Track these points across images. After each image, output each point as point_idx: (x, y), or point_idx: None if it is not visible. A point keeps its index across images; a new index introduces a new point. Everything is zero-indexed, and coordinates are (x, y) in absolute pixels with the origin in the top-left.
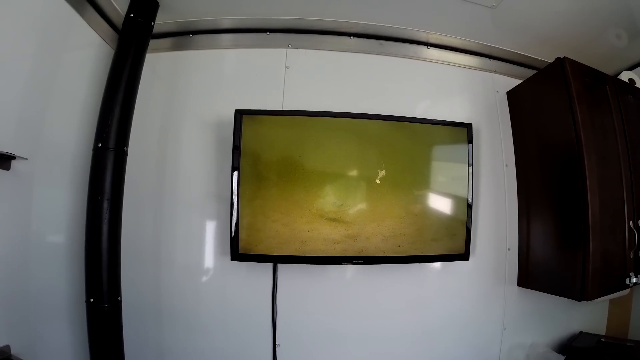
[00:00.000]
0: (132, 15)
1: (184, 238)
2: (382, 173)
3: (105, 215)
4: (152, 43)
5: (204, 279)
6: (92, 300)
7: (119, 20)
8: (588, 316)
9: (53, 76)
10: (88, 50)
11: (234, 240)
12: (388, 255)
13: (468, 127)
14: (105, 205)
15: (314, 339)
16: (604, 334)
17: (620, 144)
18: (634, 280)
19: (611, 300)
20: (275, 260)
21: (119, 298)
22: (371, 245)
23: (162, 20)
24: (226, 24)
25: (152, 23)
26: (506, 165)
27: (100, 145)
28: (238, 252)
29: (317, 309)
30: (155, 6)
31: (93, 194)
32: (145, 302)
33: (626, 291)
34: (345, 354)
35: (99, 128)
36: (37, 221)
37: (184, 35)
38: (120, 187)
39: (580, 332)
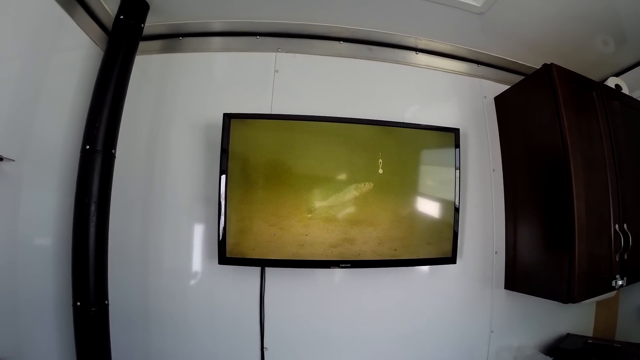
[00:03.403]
0: (122, 16)
1: (172, 241)
2: (381, 162)
3: (93, 218)
4: (142, 45)
5: (192, 282)
6: (78, 304)
7: (109, 22)
8: (575, 318)
9: (42, 77)
10: (77, 52)
11: (222, 244)
12: (384, 259)
13: (455, 132)
14: (93, 208)
15: (301, 341)
16: (591, 335)
17: (606, 148)
18: (620, 282)
19: (598, 302)
20: (263, 264)
21: (106, 302)
22: (368, 249)
23: (152, 23)
24: (216, 27)
25: (142, 25)
26: (493, 170)
27: (88, 147)
28: (225, 255)
29: (305, 312)
30: (146, 8)
31: (80, 197)
32: (133, 306)
33: (613, 293)
34: (334, 356)
35: (87, 130)
36: (24, 223)
37: (174, 38)
38: (108, 189)
39: (568, 334)
